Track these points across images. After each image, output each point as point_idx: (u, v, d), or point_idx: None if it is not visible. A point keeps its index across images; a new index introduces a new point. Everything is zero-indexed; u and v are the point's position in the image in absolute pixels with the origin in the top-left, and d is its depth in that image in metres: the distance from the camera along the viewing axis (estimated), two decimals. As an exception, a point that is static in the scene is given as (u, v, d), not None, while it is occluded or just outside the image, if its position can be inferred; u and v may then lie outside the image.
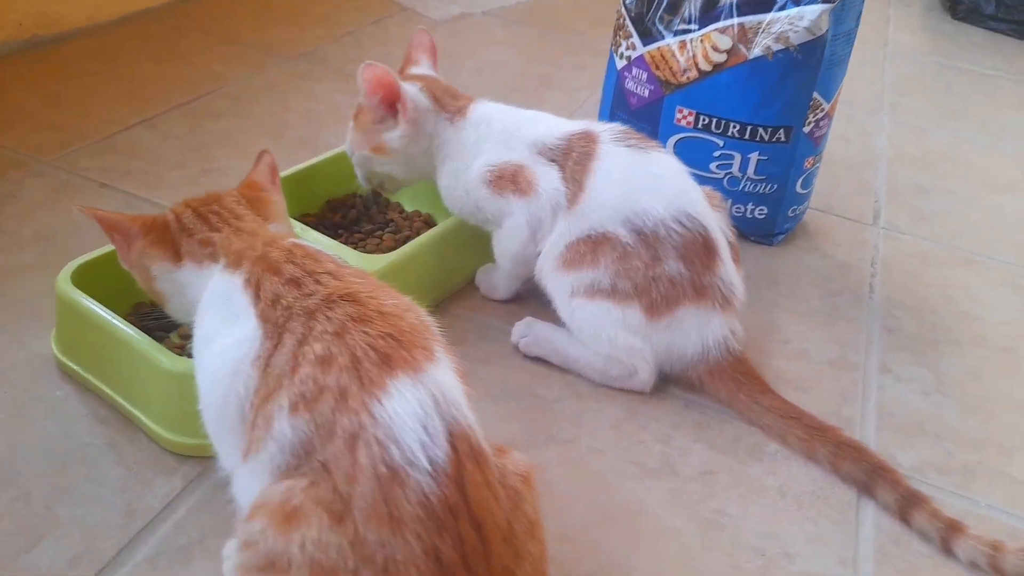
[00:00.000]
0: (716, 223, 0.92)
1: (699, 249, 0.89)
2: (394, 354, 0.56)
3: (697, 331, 0.91)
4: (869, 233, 1.33)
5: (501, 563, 0.55)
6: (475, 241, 1.11)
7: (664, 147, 0.98)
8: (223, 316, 0.65)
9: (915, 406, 0.97)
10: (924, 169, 1.55)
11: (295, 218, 1.02)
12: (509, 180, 0.95)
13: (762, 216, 1.22)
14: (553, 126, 0.98)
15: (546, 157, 0.95)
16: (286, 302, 0.61)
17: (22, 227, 1.09)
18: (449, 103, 1.00)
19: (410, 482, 0.52)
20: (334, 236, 1.06)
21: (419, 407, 0.54)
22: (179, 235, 0.72)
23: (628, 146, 0.93)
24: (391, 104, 0.97)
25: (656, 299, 0.89)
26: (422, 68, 1.06)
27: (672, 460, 0.86)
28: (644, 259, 0.89)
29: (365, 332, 0.57)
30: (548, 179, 0.93)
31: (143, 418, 0.80)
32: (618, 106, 1.27)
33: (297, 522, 0.52)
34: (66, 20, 1.63)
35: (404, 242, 1.11)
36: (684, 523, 0.80)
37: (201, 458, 0.79)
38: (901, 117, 1.75)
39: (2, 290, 0.98)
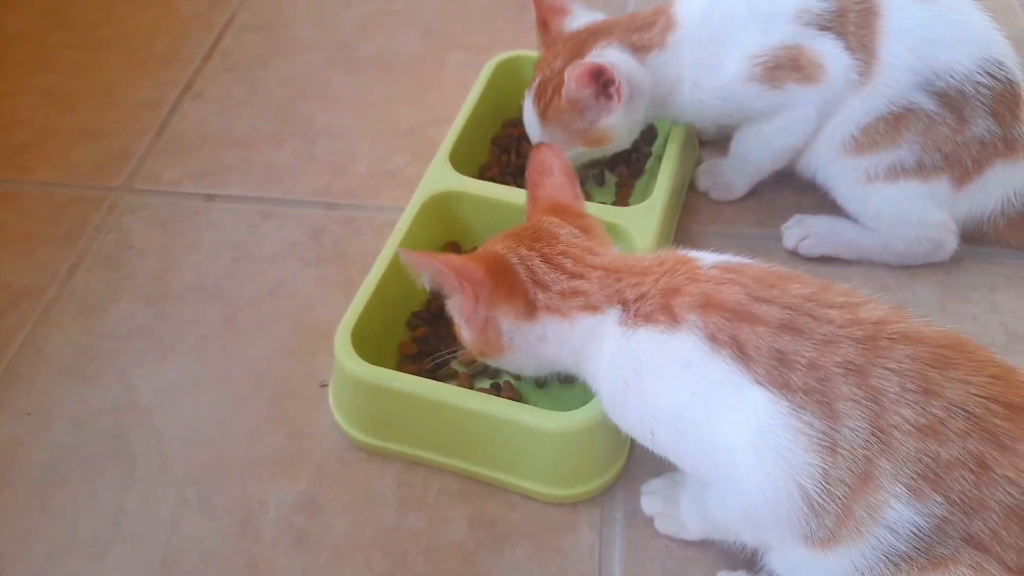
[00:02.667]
0: (1017, 61, 0.81)
1: (1009, 100, 0.79)
2: (1016, 399, 0.49)
3: (1002, 187, 0.83)
4: None
5: None
6: (689, 141, 0.97)
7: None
8: (695, 391, 0.54)
9: None
10: None
11: (477, 178, 0.86)
12: (789, 68, 0.79)
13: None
14: None
15: (816, 26, 0.79)
16: (804, 359, 0.51)
17: (171, 284, 0.90)
18: (647, 37, 0.82)
19: None
20: (518, 184, 0.88)
21: None
22: (531, 287, 0.61)
23: None
24: (602, 89, 0.80)
25: (967, 165, 0.81)
26: (579, 14, 0.86)
27: (1013, 327, 0.83)
28: (950, 124, 0.79)
29: (964, 381, 0.49)
30: (835, 55, 0.79)
31: (518, 481, 0.71)
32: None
33: None
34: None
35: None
36: (1069, 392, 0.78)
37: (585, 502, 0.72)
38: None
39: (213, 363, 0.81)
